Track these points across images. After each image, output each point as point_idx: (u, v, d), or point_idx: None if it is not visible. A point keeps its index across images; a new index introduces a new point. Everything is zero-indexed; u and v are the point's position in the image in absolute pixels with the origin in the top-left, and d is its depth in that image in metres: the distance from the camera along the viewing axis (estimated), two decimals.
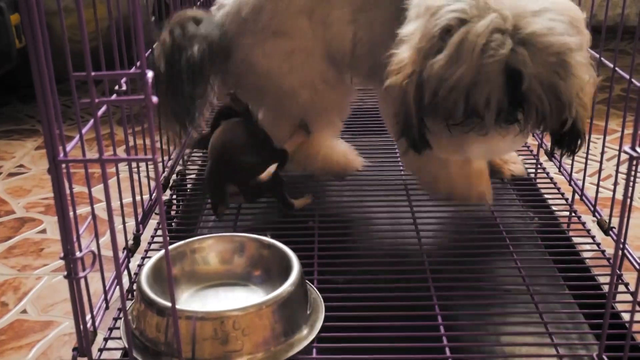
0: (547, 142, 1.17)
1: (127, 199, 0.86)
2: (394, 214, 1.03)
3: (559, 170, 1.10)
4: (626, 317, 0.80)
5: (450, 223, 1.00)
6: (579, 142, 0.81)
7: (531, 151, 1.24)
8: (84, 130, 0.64)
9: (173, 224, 1.07)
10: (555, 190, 1.09)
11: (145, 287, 0.73)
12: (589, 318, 0.83)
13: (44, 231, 1.27)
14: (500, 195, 1.13)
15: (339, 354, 0.73)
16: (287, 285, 0.73)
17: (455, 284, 0.85)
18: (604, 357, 0.67)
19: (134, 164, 0.93)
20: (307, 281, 0.79)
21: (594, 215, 0.96)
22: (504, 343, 0.76)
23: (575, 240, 0.98)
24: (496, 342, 0.77)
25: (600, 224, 0.94)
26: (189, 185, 1.19)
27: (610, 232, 0.92)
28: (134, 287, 0.79)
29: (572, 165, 1.06)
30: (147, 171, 0.99)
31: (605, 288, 0.84)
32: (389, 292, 0.84)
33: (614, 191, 0.92)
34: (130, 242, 0.87)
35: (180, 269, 0.81)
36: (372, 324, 0.77)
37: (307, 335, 0.73)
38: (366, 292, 0.83)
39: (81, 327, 0.63)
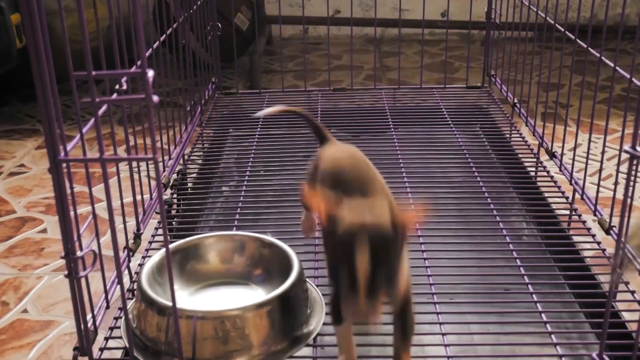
0: (548, 141, 1.17)
1: (128, 199, 0.86)
2: None
3: (560, 170, 1.10)
4: (627, 316, 0.80)
5: (450, 222, 1.00)
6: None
7: (532, 150, 1.24)
8: (84, 130, 0.64)
9: (174, 223, 1.07)
10: (556, 189, 1.09)
11: (146, 286, 0.73)
12: (589, 317, 0.83)
13: (44, 231, 1.27)
14: (501, 194, 1.13)
15: (338, 353, 0.73)
16: (287, 285, 0.73)
17: (455, 283, 0.85)
18: (605, 356, 0.67)
19: (134, 164, 0.93)
20: (307, 280, 0.79)
21: (595, 215, 0.96)
22: (504, 342, 0.76)
23: (576, 239, 0.98)
24: (496, 341, 0.77)
25: (600, 223, 0.94)
26: (189, 185, 1.19)
27: (611, 232, 0.92)
28: (135, 286, 0.79)
29: (572, 164, 1.06)
30: (148, 170, 0.99)
31: (606, 287, 0.84)
32: None
33: (615, 190, 0.92)
34: (131, 241, 0.87)
35: (181, 268, 0.81)
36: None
37: (307, 335, 0.73)
38: None
39: (82, 326, 0.63)
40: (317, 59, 2.36)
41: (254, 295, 0.79)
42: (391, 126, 1.37)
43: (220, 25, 1.50)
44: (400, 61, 1.62)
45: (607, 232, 0.92)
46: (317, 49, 2.51)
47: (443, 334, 0.74)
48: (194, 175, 1.22)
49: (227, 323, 0.68)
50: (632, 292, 0.81)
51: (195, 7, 1.31)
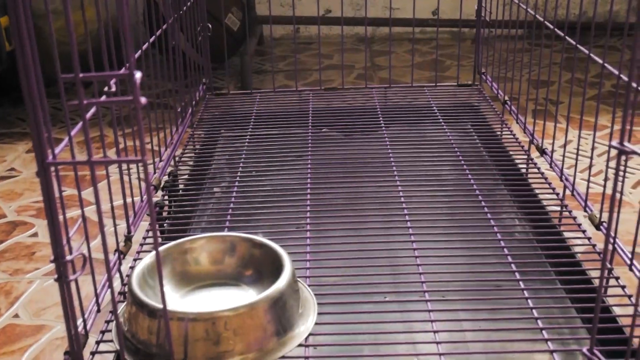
0: (538, 137, 1.17)
1: (118, 201, 0.85)
2: (386, 213, 1.04)
3: (550, 166, 1.11)
4: (617, 310, 0.80)
5: (441, 219, 1.01)
6: None
7: (522, 147, 1.24)
8: (73, 132, 0.64)
9: (165, 225, 1.07)
10: (547, 186, 1.10)
11: (136, 289, 0.73)
12: (580, 312, 0.83)
13: (35, 235, 1.26)
14: (492, 191, 1.13)
15: (331, 353, 0.73)
16: (278, 285, 0.73)
17: (446, 280, 0.86)
18: (595, 351, 0.67)
19: (124, 166, 0.93)
20: (299, 280, 0.79)
21: (585, 211, 0.96)
22: (496, 339, 0.76)
23: (567, 235, 0.98)
24: (488, 338, 0.77)
25: (591, 218, 0.94)
26: (180, 186, 1.19)
27: (601, 227, 0.92)
28: (126, 289, 0.79)
29: (563, 161, 1.06)
30: (138, 173, 0.99)
31: (596, 282, 0.84)
32: (381, 290, 0.84)
33: (605, 186, 0.92)
34: (122, 244, 0.87)
35: (172, 270, 0.81)
36: (364, 321, 0.77)
37: (299, 335, 0.73)
38: (358, 291, 0.83)
39: (72, 330, 0.63)
40: (308, 58, 2.36)
41: (245, 296, 0.79)
42: (382, 125, 1.37)
43: (210, 25, 1.50)
44: (391, 60, 1.62)
45: (597, 227, 0.93)
46: (308, 49, 2.52)
47: (435, 332, 0.74)
48: (185, 176, 1.22)
49: (219, 324, 0.68)
50: (623, 287, 0.82)
51: (185, 7, 1.31)
